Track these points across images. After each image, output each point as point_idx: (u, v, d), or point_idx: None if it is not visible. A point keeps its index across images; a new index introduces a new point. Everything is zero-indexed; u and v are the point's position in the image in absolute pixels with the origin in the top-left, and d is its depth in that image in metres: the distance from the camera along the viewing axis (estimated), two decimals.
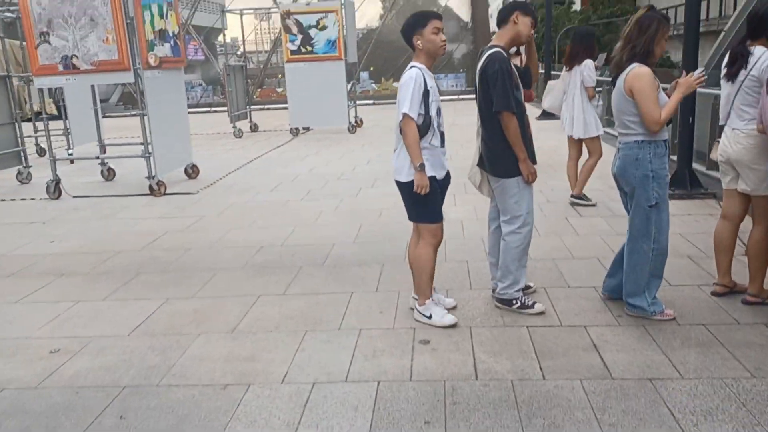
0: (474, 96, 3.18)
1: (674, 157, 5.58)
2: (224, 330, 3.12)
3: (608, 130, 8.88)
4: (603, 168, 5.69)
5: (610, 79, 3.26)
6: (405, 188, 2.94)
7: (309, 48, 10.91)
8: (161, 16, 6.65)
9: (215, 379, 2.63)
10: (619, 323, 2.97)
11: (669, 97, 2.83)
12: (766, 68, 2.86)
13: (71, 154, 9.21)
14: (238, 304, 3.46)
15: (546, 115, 9.96)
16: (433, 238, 3.01)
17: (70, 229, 5.32)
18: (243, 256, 4.33)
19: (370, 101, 18.36)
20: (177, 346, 2.96)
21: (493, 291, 3.29)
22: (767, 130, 2.77)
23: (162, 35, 6.66)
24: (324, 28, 10.81)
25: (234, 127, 11.61)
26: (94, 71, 6.23)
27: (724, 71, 3.08)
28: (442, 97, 3.04)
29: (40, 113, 17.50)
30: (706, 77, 2.89)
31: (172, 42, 6.88)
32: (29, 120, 18.30)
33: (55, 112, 10.86)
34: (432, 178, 2.90)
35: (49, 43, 6.19)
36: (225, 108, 18.38)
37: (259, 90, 20.95)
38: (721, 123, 3.15)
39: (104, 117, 16.51)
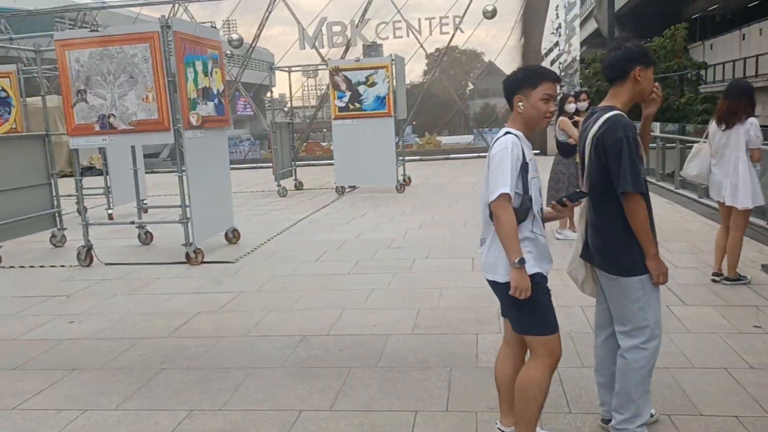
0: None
1: None
2: None
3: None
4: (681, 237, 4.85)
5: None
6: (504, 291, 2.24)
7: (357, 105, 10.51)
8: (206, 74, 6.27)
9: None
10: None
11: None
12: None
13: (111, 214, 8.89)
14: (274, 424, 2.78)
15: None
16: (549, 356, 2.26)
17: (93, 306, 4.78)
18: (282, 349, 3.67)
19: (416, 157, 17.89)
20: None
21: (604, 421, 2.53)
22: None
23: (206, 93, 6.26)
24: (373, 84, 10.41)
25: (278, 185, 11.19)
26: (131, 131, 5.84)
27: None
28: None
29: (90, 168, 17.64)
30: None
31: (216, 100, 6.48)
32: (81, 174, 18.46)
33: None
34: (538, 275, 2.21)
35: (87, 102, 5.84)
36: (271, 164, 18.27)
37: (304, 144, 20.81)
38: None
39: (151, 172, 16.49)
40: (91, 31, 5.61)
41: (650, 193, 2.38)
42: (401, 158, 11.40)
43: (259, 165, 18.95)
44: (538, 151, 17.64)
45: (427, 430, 2.67)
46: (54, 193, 7.25)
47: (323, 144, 21.60)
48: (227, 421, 2.83)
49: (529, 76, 2.24)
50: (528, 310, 2.22)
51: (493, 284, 2.30)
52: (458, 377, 3.16)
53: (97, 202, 10.14)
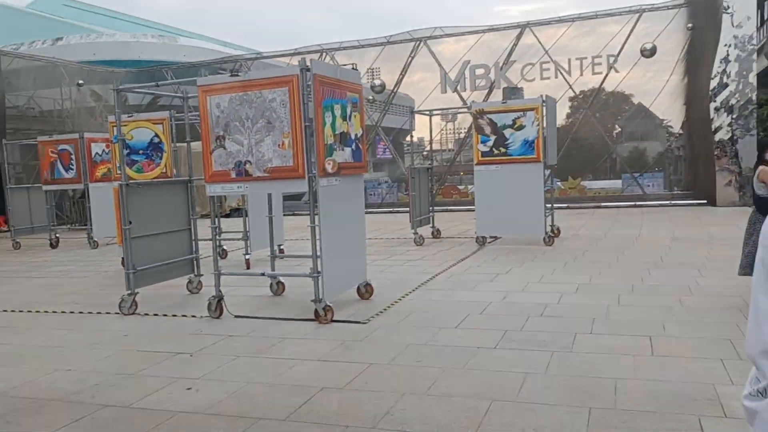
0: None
1: None
2: None
3: None
4: None
5: None
6: None
7: (503, 149, 9.76)
8: (344, 118, 5.89)
9: None
10: None
11: None
12: None
13: (248, 260, 8.79)
14: None
15: None
16: None
17: (214, 370, 4.38)
18: None
19: (563, 204, 16.64)
20: None
21: None
22: None
23: (343, 138, 5.87)
24: (521, 127, 9.62)
25: (415, 233, 10.65)
26: (266, 179, 5.55)
27: None
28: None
29: (237, 209, 18.32)
30: None
31: (353, 146, 6.07)
32: (227, 215, 19.32)
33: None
34: None
35: (224, 148, 5.65)
36: (407, 209, 17.93)
37: (441, 188, 20.30)
38: None
39: (291, 214, 16.70)
40: (232, 75, 5.44)
41: None
42: (549, 206, 10.40)
43: (395, 210, 18.70)
44: (704, 201, 15.70)
45: None
46: (193, 236, 7.20)
47: (460, 187, 20.99)
48: None
49: None
50: None
51: None
52: None
53: (237, 245, 10.19)
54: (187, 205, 7.11)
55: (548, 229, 10.08)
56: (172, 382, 4.15)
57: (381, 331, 5.23)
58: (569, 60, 17.84)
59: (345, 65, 5.73)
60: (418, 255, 9.46)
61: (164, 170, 9.01)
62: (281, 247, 9.74)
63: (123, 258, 6.59)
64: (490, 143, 9.84)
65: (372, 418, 3.41)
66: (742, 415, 1.19)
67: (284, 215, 10.13)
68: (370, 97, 19.40)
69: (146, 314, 6.22)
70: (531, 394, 3.66)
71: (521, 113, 9.63)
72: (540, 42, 18.13)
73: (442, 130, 24.61)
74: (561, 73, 17.92)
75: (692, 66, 16.82)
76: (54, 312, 6.58)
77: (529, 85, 17.82)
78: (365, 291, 6.45)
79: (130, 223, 6.24)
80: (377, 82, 19.09)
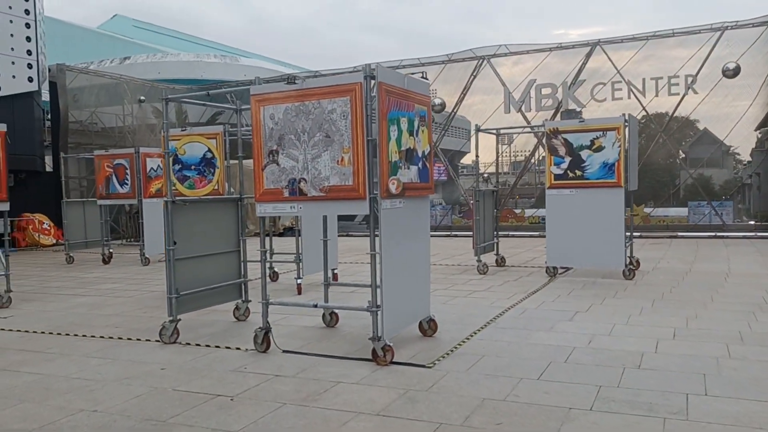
0: None
1: None
2: None
3: None
4: None
5: None
6: None
7: (579, 172, 8.91)
8: (411, 133, 5.24)
9: None
10: None
11: None
12: None
13: (299, 285, 8.22)
14: None
15: None
16: None
17: (255, 421, 3.74)
18: None
19: (635, 233, 15.47)
20: None
21: None
22: None
23: (409, 156, 5.21)
24: (600, 149, 8.77)
25: (478, 260, 9.87)
26: (322, 198, 4.93)
27: None
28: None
29: (290, 228, 17.90)
30: None
31: (420, 164, 5.40)
32: (281, 234, 18.95)
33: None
34: None
35: (278, 164, 5.08)
36: (465, 233, 17.11)
37: (499, 212, 19.42)
38: None
39: (346, 235, 16.13)
40: (288, 83, 4.88)
41: None
42: (627, 235, 9.43)
43: (452, 233, 17.94)
44: None
45: None
46: (242, 258, 6.65)
47: (516, 211, 20.05)
48: None
49: None
50: None
51: None
52: None
53: (289, 266, 9.64)
54: (237, 224, 6.59)
55: (627, 260, 9.12)
56: None
57: (449, 379, 4.49)
58: (643, 80, 16.79)
59: (413, 74, 5.08)
60: (483, 285, 8.67)
61: (216, 187, 8.59)
62: (335, 271, 9.14)
63: None
64: (565, 165, 9.01)
65: None
66: None
67: (338, 236, 9.54)
68: None
69: (188, 344, 5.67)
70: None
71: (600, 133, 8.78)
72: (611, 60, 17.17)
73: (502, 153, 23.74)
74: (634, 94, 16.88)
75: None
76: (92, 336, 6.13)
77: (599, 106, 16.85)
78: (428, 327, 5.73)
79: (175, 243, 5.74)
80: (437, 101, 18.50)
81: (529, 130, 14.68)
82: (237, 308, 6.62)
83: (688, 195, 17.66)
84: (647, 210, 18.09)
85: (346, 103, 4.77)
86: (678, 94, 16.41)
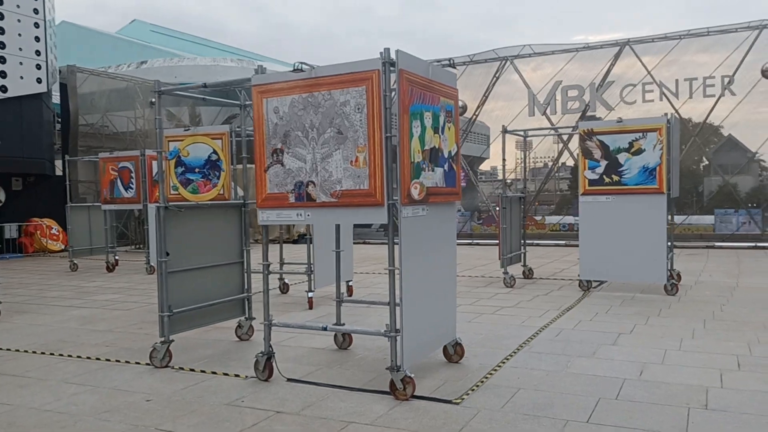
0: None
1: None
2: None
3: None
4: None
5: None
6: None
7: (616, 177, 8.15)
8: (436, 130, 4.55)
9: None
10: None
11: None
12: None
13: (311, 298, 7.56)
14: None
15: None
16: None
17: None
18: None
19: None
20: None
21: None
22: None
23: (434, 156, 4.52)
24: (639, 151, 8.00)
25: (505, 272, 9.13)
26: (333, 205, 4.26)
27: None
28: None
29: (303, 235, 17.24)
30: None
31: (446, 166, 4.71)
32: (295, 241, 18.29)
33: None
34: None
35: (282, 165, 4.42)
36: (487, 241, 16.35)
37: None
38: None
39: (362, 243, 15.41)
40: (295, 70, 4.22)
41: None
42: (669, 244, 8.62)
43: (473, 241, 17.20)
44: None
45: None
46: (245, 269, 6.00)
47: (537, 218, 19.25)
48: None
49: None
50: None
51: None
52: None
53: (301, 277, 8.97)
54: (240, 233, 5.94)
55: (668, 274, 8.32)
56: None
57: (481, 419, 3.77)
58: (676, 81, 15.95)
59: (439, 62, 4.38)
60: (512, 300, 7.93)
61: (222, 191, 7.97)
62: (350, 283, 8.46)
63: None
64: (600, 170, 8.25)
65: None
66: None
67: (354, 243, 8.87)
68: None
69: (180, 368, 5.01)
70: None
71: (640, 134, 8.01)
72: (641, 61, 16.35)
73: (516, 158, 23.06)
74: (666, 96, 16.04)
75: None
76: (78, 357, 5.49)
77: (629, 108, 16.02)
78: (454, 352, 5.02)
79: (168, 254, 5.10)
80: (459, 103, 17.77)
81: (558, 132, 13.92)
82: (239, 326, 5.97)
83: (713, 203, 16.84)
84: (684, 218, 17.25)
85: (362, 93, 4.09)
86: (713, 96, 15.54)
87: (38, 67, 16.06)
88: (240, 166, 6.64)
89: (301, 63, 4.22)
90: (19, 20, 15.47)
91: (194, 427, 3.75)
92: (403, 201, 4.12)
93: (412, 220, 4.26)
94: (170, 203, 5.31)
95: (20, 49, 15.59)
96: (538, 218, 19.50)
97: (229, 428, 3.71)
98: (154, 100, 5.16)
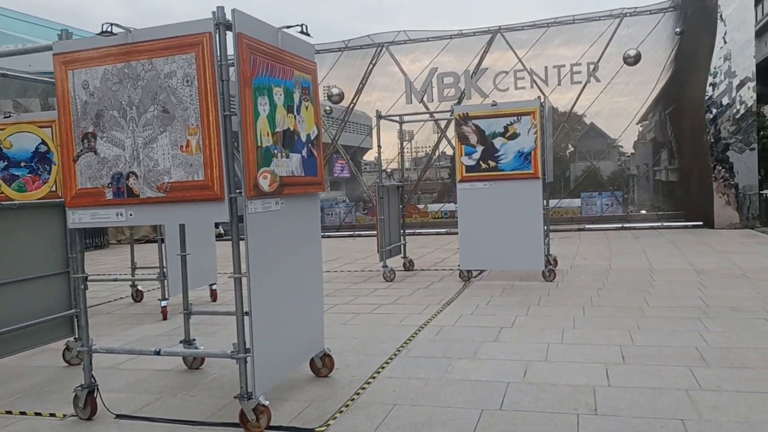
0: None
1: None
2: None
3: None
4: None
5: None
6: None
7: (492, 163, 7.87)
8: (289, 109, 3.85)
9: None
10: None
11: None
12: None
13: (164, 308, 6.63)
14: None
15: None
16: None
17: None
18: None
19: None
20: None
21: None
22: None
23: (289, 140, 3.82)
24: (515, 136, 7.77)
25: (384, 266, 8.63)
26: (161, 201, 3.44)
27: None
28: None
29: (147, 239, 15.75)
30: None
31: (304, 152, 4.03)
32: (154, 240, 16.86)
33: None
34: None
35: (95, 153, 3.53)
36: (370, 232, 15.89)
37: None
38: None
39: (223, 239, 14.39)
40: (103, 33, 3.35)
41: None
42: (546, 229, 8.52)
43: (356, 233, 16.70)
44: (701, 223, 14.20)
45: None
46: (72, 285, 4.99)
47: (419, 206, 19.22)
48: None
49: None
50: None
51: None
52: None
53: (152, 285, 7.91)
54: (63, 237, 4.92)
55: (545, 260, 8.20)
56: None
57: None
58: (546, 68, 16.29)
59: (290, 27, 3.69)
60: (391, 296, 7.43)
61: (54, 188, 6.84)
62: (214, 287, 7.58)
63: None
64: (477, 155, 7.94)
65: None
66: None
67: (217, 240, 7.99)
68: (327, 108, 17.44)
69: None
70: None
71: (515, 118, 7.78)
72: (512, 48, 16.56)
73: (401, 148, 22.91)
74: (536, 83, 16.36)
75: (682, 74, 15.46)
76: None
77: (502, 95, 16.17)
78: (323, 365, 4.38)
79: None
80: (335, 91, 17.17)
81: (434, 117, 13.68)
82: (68, 349, 4.96)
83: (580, 187, 17.70)
84: (568, 201, 17.87)
85: (190, 62, 3.31)
86: (580, 82, 16.04)
87: None
88: None
89: (112, 24, 3.36)
90: None
91: None
92: (249, 194, 3.39)
93: (262, 216, 3.55)
94: None
95: None
96: (420, 206, 19.42)
97: None
98: None
